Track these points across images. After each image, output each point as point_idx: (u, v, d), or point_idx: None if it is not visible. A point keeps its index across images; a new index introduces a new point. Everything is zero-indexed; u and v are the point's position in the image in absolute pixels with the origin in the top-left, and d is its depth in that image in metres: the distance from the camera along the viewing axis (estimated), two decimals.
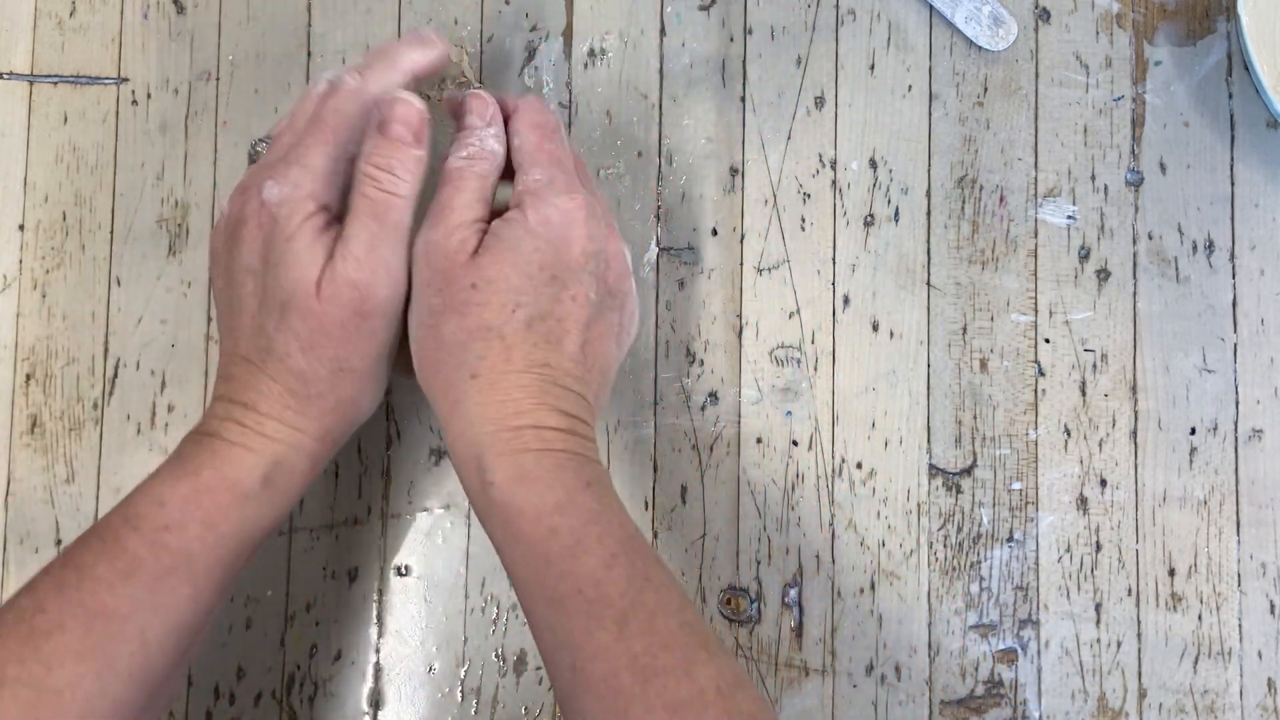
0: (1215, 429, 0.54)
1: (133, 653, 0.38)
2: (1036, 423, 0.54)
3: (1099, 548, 0.53)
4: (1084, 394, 0.54)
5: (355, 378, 0.42)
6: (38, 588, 0.39)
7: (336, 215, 0.43)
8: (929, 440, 0.54)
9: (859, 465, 0.54)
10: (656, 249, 0.55)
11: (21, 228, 0.55)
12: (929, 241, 0.55)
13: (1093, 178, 0.55)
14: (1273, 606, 0.53)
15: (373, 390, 0.44)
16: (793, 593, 0.53)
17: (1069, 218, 0.55)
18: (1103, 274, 0.55)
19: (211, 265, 0.46)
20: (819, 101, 0.55)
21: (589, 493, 0.39)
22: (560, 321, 0.41)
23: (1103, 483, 0.54)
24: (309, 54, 0.56)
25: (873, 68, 0.55)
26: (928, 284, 0.55)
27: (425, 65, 0.46)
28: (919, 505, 0.53)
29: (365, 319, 0.42)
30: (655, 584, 0.37)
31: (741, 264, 0.55)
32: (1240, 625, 0.53)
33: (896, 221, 0.55)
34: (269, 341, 0.41)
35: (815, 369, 0.54)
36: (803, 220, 0.55)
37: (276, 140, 0.45)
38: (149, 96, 0.56)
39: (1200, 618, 0.53)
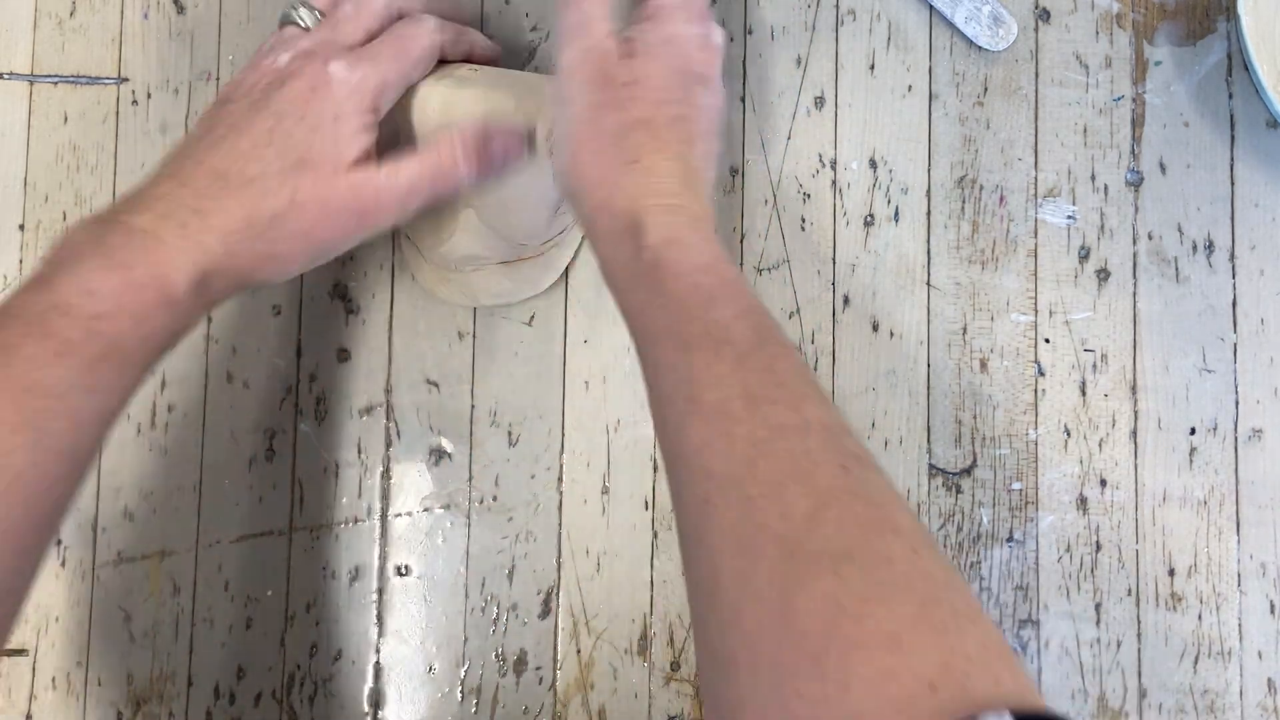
0: (1215, 429, 0.54)
1: (64, 430, 0.37)
2: (1036, 423, 0.54)
3: (1099, 548, 0.53)
4: (1084, 394, 0.54)
5: (304, 249, 0.44)
6: None
7: (378, 129, 0.45)
8: (929, 440, 0.54)
9: None
10: None
11: (21, 228, 0.55)
12: (929, 241, 0.55)
13: (1093, 178, 0.55)
14: (1273, 606, 0.53)
15: (301, 266, 0.45)
16: None
17: (1069, 218, 0.55)
18: (1103, 274, 0.55)
19: (230, 87, 0.46)
20: (819, 101, 0.55)
21: (732, 266, 0.41)
22: (691, 123, 0.44)
23: (1103, 483, 0.54)
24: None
25: (873, 68, 0.55)
26: (928, 284, 0.55)
27: (464, 55, 0.50)
28: (919, 505, 0.53)
29: (358, 219, 0.44)
30: (778, 341, 0.38)
31: (741, 264, 0.55)
32: (1240, 625, 0.53)
33: (896, 221, 0.55)
34: (261, 174, 0.42)
35: (815, 369, 0.54)
36: (803, 220, 0.55)
37: (340, 25, 0.46)
38: (149, 96, 0.56)
39: (1200, 618, 0.53)
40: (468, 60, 0.50)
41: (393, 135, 0.48)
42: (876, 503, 0.33)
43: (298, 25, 0.47)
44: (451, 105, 0.47)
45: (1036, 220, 0.55)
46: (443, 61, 0.49)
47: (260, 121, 0.43)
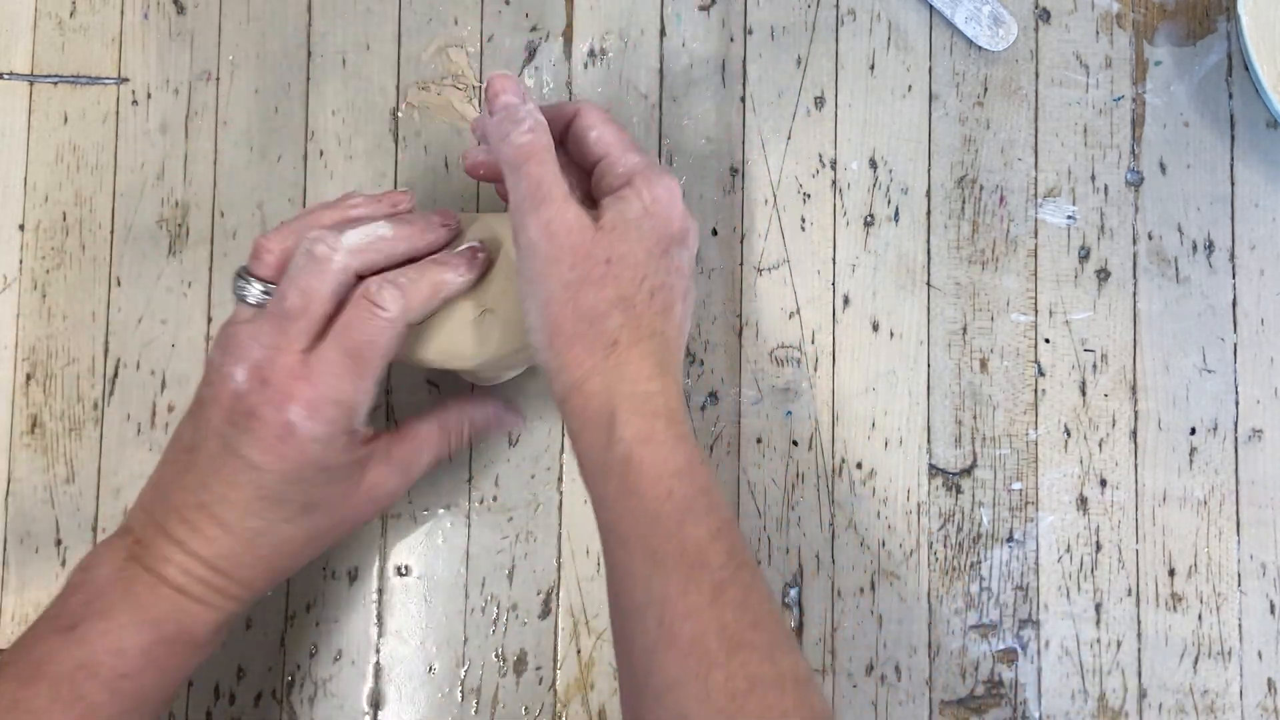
0: (1215, 429, 0.54)
1: None
2: (1036, 423, 0.54)
3: (1099, 548, 0.53)
4: (1084, 394, 0.54)
5: (324, 548, 0.45)
6: None
7: (362, 423, 0.43)
8: (929, 440, 0.54)
9: (859, 465, 0.54)
10: None
11: (21, 228, 0.55)
12: (929, 241, 0.55)
13: (1093, 178, 0.55)
14: (1273, 606, 0.53)
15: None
16: (793, 592, 0.53)
17: (1069, 218, 0.55)
18: (1103, 274, 0.55)
19: (197, 417, 0.43)
20: (819, 101, 0.55)
21: (704, 468, 0.41)
22: (670, 290, 0.43)
23: (1103, 483, 0.54)
24: (309, 54, 0.56)
25: (873, 68, 0.55)
26: (928, 284, 0.55)
27: (457, 291, 0.45)
28: (919, 505, 0.53)
29: (379, 509, 0.46)
30: (750, 567, 0.38)
31: (741, 264, 0.55)
32: (1240, 625, 0.53)
33: (896, 221, 0.55)
34: (267, 527, 0.42)
35: (815, 369, 0.54)
36: (803, 220, 0.55)
37: (283, 296, 0.42)
38: (149, 96, 0.56)
39: (1200, 618, 0.53)
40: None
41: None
42: None
43: (247, 303, 0.43)
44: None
45: (1036, 220, 0.55)
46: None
47: (240, 474, 0.41)
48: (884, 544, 0.53)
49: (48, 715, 0.38)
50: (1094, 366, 0.54)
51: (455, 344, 0.46)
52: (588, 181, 0.46)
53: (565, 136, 0.46)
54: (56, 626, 0.40)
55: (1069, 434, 0.54)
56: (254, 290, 0.43)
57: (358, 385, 0.42)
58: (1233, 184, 0.55)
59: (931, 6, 0.55)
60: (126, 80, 0.56)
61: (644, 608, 0.38)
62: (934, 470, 0.54)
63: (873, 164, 0.55)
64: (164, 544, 0.42)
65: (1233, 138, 0.55)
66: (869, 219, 0.55)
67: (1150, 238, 0.55)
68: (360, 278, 0.43)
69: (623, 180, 0.44)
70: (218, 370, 0.42)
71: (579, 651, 0.53)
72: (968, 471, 0.54)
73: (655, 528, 0.39)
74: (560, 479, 0.54)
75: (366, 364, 0.42)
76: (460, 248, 0.45)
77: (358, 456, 0.43)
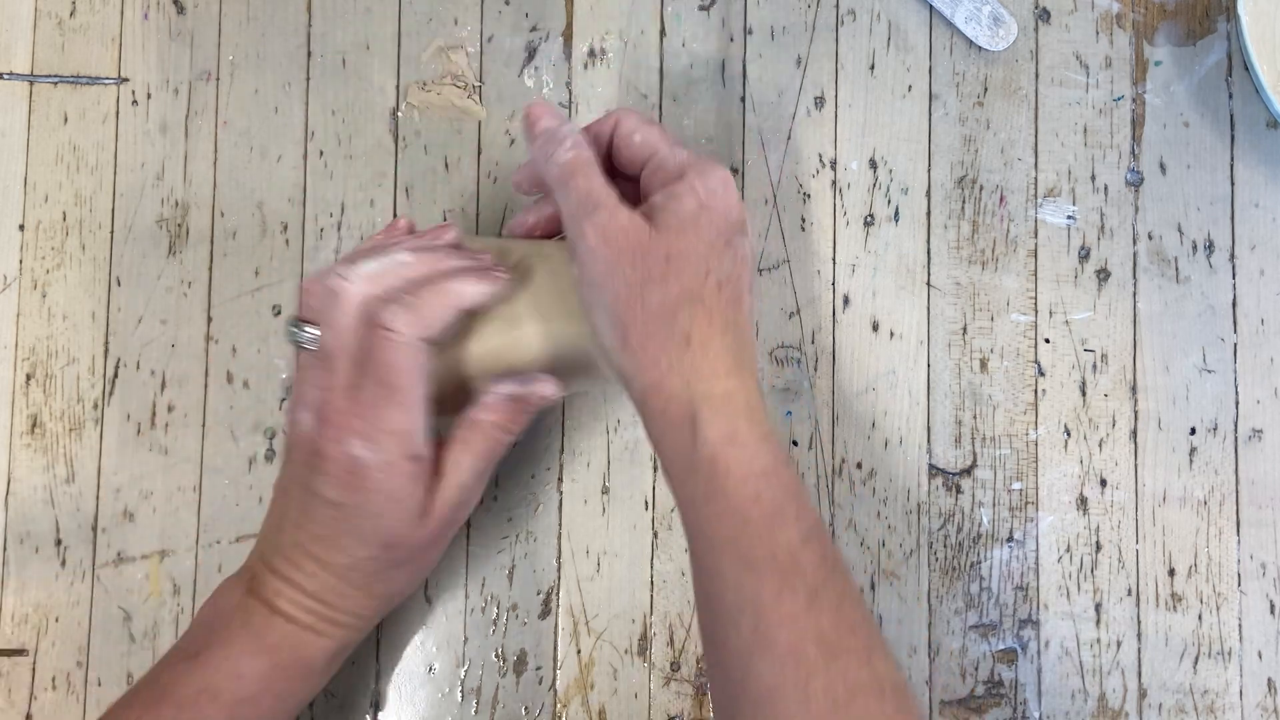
0: (1215, 429, 0.54)
1: None
2: (1036, 423, 0.54)
3: (1099, 548, 0.53)
4: (1084, 394, 0.54)
5: (423, 575, 0.47)
6: None
7: (427, 452, 0.43)
8: (929, 440, 0.54)
9: (859, 465, 0.54)
10: None
11: (21, 228, 0.55)
12: (929, 241, 0.55)
13: (1093, 178, 0.55)
14: (1273, 606, 0.53)
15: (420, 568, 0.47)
16: None
17: (1069, 218, 0.55)
18: (1103, 274, 0.55)
19: (286, 463, 0.45)
20: (819, 101, 0.55)
21: (790, 469, 0.41)
22: (738, 282, 0.43)
23: (1103, 483, 0.54)
24: (309, 54, 0.56)
25: (873, 68, 0.55)
26: (928, 284, 0.55)
27: (476, 302, 0.44)
28: (919, 505, 0.53)
29: (454, 528, 0.45)
30: (842, 571, 0.38)
31: None
32: (1240, 625, 0.53)
33: (896, 221, 0.55)
34: (354, 562, 0.43)
35: (815, 369, 0.54)
36: (803, 220, 0.55)
37: (319, 337, 0.43)
38: (149, 96, 0.56)
39: (1200, 618, 0.53)
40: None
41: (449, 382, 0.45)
42: None
43: (304, 348, 0.43)
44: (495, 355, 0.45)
45: (1036, 220, 0.55)
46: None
47: (322, 513, 0.43)
48: (884, 544, 0.53)
49: None
50: (1094, 366, 0.54)
51: (493, 357, 0.45)
52: (637, 191, 0.46)
53: (609, 150, 0.46)
54: (182, 655, 0.42)
55: (1069, 434, 0.54)
56: (306, 335, 0.43)
57: (403, 412, 0.42)
58: (1233, 184, 0.55)
59: (931, 6, 0.55)
60: (126, 80, 0.56)
61: (737, 612, 0.38)
62: (934, 470, 0.54)
63: (873, 164, 0.55)
64: (273, 580, 0.44)
65: (1233, 138, 0.55)
66: (869, 219, 0.55)
67: (1150, 238, 0.55)
68: None
69: (674, 176, 0.44)
70: (291, 417, 0.44)
71: (579, 651, 0.53)
72: (968, 471, 0.54)
73: (745, 531, 0.39)
74: (560, 479, 0.54)
75: (401, 389, 0.41)
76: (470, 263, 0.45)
77: (422, 492, 0.43)
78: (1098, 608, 0.53)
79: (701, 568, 0.40)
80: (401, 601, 0.47)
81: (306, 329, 0.43)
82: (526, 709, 0.53)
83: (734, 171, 0.55)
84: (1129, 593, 0.53)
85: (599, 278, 0.42)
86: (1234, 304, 0.54)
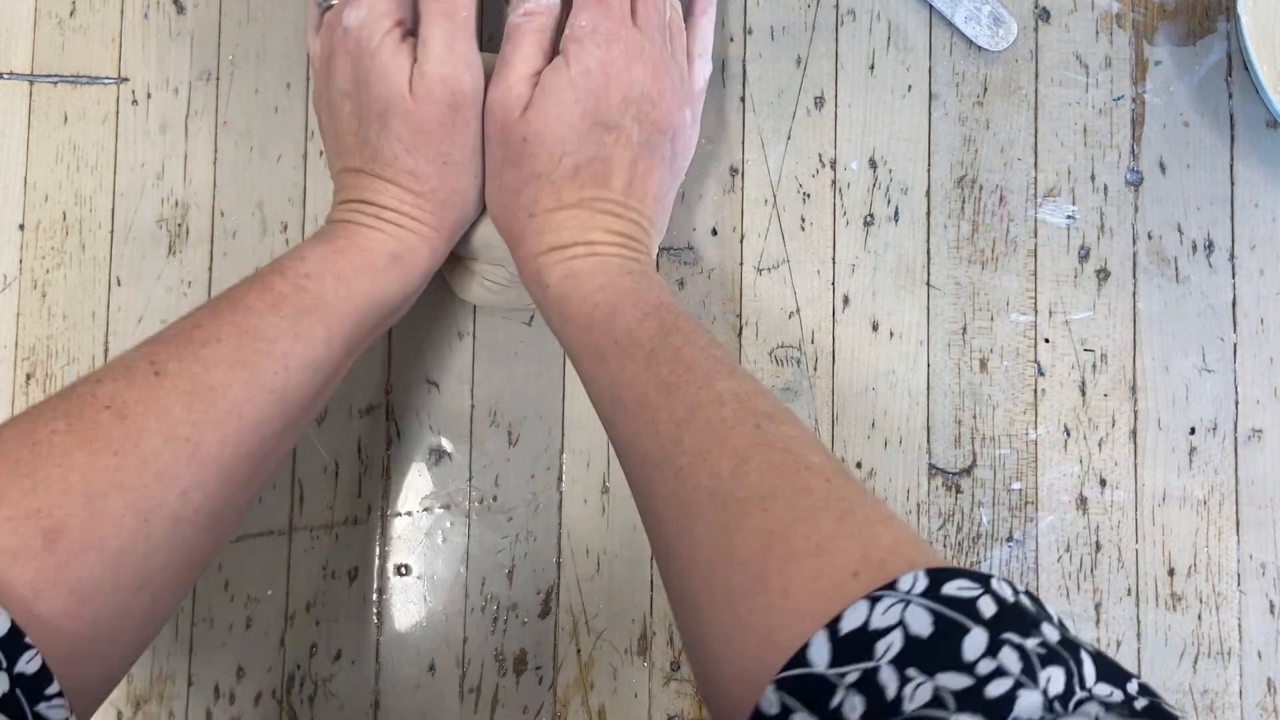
0: (1215, 429, 0.54)
1: (275, 371, 0.41)
2: (1036, 423, 0.54)
3: (1099, 548, 0.53)
4: (1084, 394, 0.54)
5: (458, 169, 0.47)
6: (197, 313, 0.42)
7: (411, 29, 0.47)
8: (929, 440, 0.54)
9: (859, 465, 0.54)
10: (656, 249, 0.55)
11: (21, 228, 0.55)
12: (929, 241, 0.55)
13: (1093, 178, 0.55)
14: (1272, 606, 0.53)
15: (476, 181, 0.48)
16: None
17: (1069, 218, 0.55)
18: (1103, 274, 0.55)
19: (315, 104, 0.49)
20: (819, 101, 0.55)
21: (629, 278, 0.45)
22: (605, 163, 0.46)
23: (1102, 483, 0.54)
24: (309, 54, 0.56)
25: (873, 68, 0.55)
26: (928, 284, 0.55)
27: None
28: (919, 505, 0.53)
29: (457, 111, 0.46)
30: (682, 330, 0.42)
31: (741, 264, 0.55)
32: (1240, 625, 0.53)
33: (896, 221, 0.55)
34: (375, 150, 0.46)
35: (815, 369, 0.54)
36: (803, 220, 0.55)
37: None
38: (149, 96, 0.56)
39: (1200, 618, 0.53)
40: None
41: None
42: (789, 449, 0.37)
43: (330, 5, 0.48)
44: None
45: (1036, 220, 0.55)
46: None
47: (340, 114, 0.47)
48: None
49: (245, 299, 0.42)
50: (1094, 366, 0.54)
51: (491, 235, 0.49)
52: None
53: None
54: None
55: (1069, 434, 0.54)
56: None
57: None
58: (1233, 184, 0.55)
59: (931, 6, 0.55)
60: (126, 80, 0.56)
61: (600, 394, 0.43)
62: (934, 470, 0.54)
63: (873, 164, 0.55)
64: (333, 209, 0.47)
65: (1233, 138, 0.55)
66: (869, 219, 0.55)
67: (1150, 238, 0.55)
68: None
69: (564, 45, 0.46)
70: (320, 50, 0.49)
71: (579, 651, 0.53)
72: (968, 471, 0.54)
73: (590, 334, 0.43)
74: (560, 479, 0.54)
75: None
76: None
77: (405, 56, 0.46)
78: (1097, 607, 0.53)
79: (580, 377, 0.45)
80: (453, 220, 0.48)
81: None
82: (526, 709, 0.53)
83: (734, 171, 0.55)
84: (1129, 592, 0.53)
85: (486, 148, 0.47)
86: (1234, 304, 0.54)
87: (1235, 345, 0.54)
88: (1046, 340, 0.54)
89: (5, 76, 0.56)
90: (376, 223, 0.46)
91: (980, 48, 0.55)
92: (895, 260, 0.55)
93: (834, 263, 0.55)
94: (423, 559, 0.54)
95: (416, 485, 0.54)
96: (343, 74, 0.46)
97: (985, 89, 0.55)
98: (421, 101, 0.45)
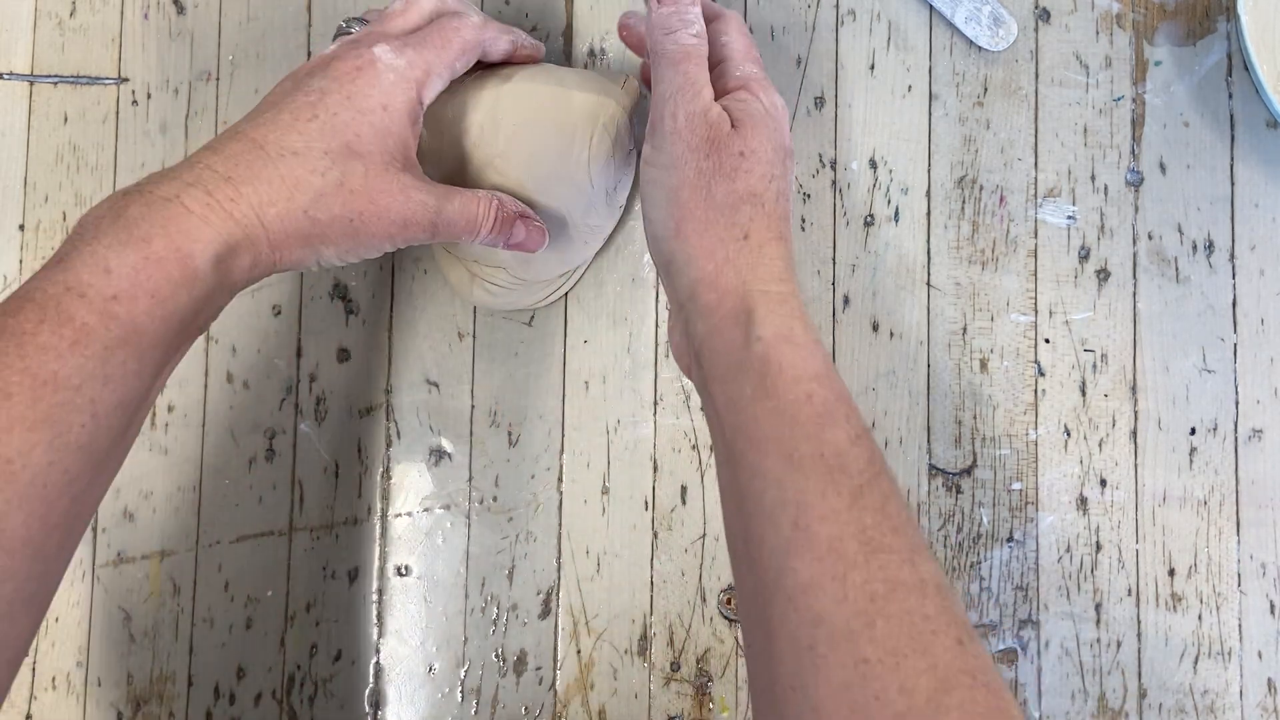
0: (1215, 429, 0.54)
1: (84, 424, 0.36)
2: (1036, 423, 0.54)
3: (1099, 548, 0.53)
4: (1084, 394, 0.54)
5: (350, 236, 0.42)
6: None
7: (428, 96, 0.45)
8: (929, 440, 0.54)
9: None
10: None
11: (21, 228, 0.55)
12: (929, 241, 0.55)
13: (1093, 178, 0.55)
14: (1273, 606, 0.53)
15: (338, 256, 0.43)
16: None
17: (1069, 218, 0.55)
18: (1103, 274, 0.55)
19: (287, 78, 0.44)
20: (819, 101, 0.55)
21: (839, 377, 0.40)
22: (789, 197, 0.44)
23: (1103, 483, 0.54)
24: (309, 54, 0.56)
25: (873, 68, 0.55)
26: (928, 284, 0.55)
27: (505, 55, 0.49)
28: (919, 505, 0.53)
29: (403, 229, 0.44)
30: (889, 476, 0.37)
31: None
32: (1240, 625, 0.53)
33: (896, 221, 0.55)
34: (305, 150, 0.41)
35: None
36: (803, 220, 0.55)
37: (388, 20, 0.46)
38: (149, 96, 0.56)
39: (1200, 618, 0.53)
40: (509, 62, 0.50)
41: (434, 137, 0.48)
42: (995, 690, 0.32)
43: (348, 33, 0.47)
44: (500, 101, 0.48)
45: (1036, 220, 0.55)
46: (482, 65, 0.49)
47: (302, 96, 0.42)
48: None
49: (36, 336, 0.35)
50: (1094, 366, 0.54)
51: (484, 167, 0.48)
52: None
53: None
54: (48, 262, 0.38)
55: (1069, 434, 0.54)
56: (356, 25, 0.48)
57: (439, 55, 0.45)
58: (1233, 184, 0.55)
59: (931, 6, 0.55)
60: (126, 80, 0.56)
61: (778, 510, 0.37)
62: (934, 470, 0.54)
63: (873, 164, 0.55)
64: (173, 168, 0.40)
65: (1233, 138, 0.55)
66: (869, 219, 0.55)
67: (1150, 238, 0.55)
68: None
69: (739, 84, 0.45)
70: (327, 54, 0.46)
71: (579, 651, 0.53)
72: (968, 471, 0.54)
73: (794, 430, 0.37)
74: (560, 479, 0.54)
75: (452, 44, 0.46)
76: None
77: (411, 140, 0.44)
78: (1098, 608, 0.53)
79: (741, 466, 0.39)
80: (290, 257, 0.42)
81: (356, 23, 0.47)
82: (526, 709, 0.53)
83: None
84: (1129, 593, 0.53)
85: (673, 160, 0.43)
86: (1234, 304, 0.54)
87: (1235, 345, 0.54)
88: (1047, 340, 0.54)
89: (5, 77, 0.56)
90: (213, 210, 0.39)
91: (980, 48, 0.55)
92: (895, 260, 0.55)
93: (834, 263, 0.55)
94: (423, 559, 0.54)
95: (416, 485, 0.54)
96: (338, 79, 0.42)
97: (985, 89, 0.55)
98: (391, 196, 0.42)
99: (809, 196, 0.55)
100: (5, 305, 0.36)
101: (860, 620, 0.33)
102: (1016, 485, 0.54)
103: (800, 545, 0.35)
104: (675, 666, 0.53)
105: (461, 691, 0.53)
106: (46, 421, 0.34)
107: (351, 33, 0.46)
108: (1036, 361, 0.54)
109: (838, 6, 0.56)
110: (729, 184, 0.42)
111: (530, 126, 0.48)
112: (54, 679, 0.53)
